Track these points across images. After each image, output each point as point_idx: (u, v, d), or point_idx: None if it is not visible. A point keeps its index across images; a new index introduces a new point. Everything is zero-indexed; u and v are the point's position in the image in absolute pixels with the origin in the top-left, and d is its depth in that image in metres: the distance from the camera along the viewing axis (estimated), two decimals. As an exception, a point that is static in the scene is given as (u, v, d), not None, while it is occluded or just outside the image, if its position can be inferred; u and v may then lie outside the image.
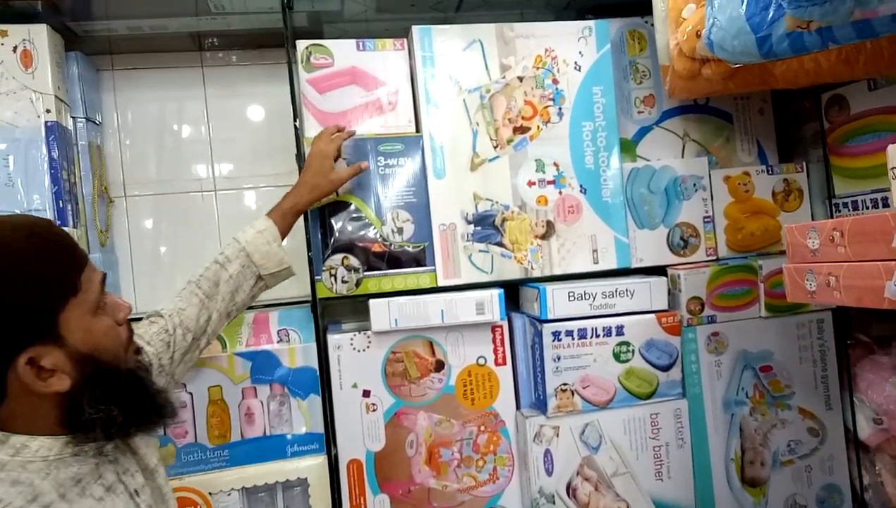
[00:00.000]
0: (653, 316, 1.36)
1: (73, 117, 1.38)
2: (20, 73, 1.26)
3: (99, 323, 0.80)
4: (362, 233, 1.34)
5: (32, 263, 0.73)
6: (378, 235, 1.34)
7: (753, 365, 1.41)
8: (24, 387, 0.74)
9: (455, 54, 1.38)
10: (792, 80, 1.26)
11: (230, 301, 1.14)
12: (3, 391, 0.74)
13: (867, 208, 1.36)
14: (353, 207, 1.34)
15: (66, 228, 1.27)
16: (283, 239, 1.24)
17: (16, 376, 0.74)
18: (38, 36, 1.27)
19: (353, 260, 1.32)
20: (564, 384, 1.33)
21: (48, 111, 1.28)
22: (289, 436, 1.32)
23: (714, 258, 1.46)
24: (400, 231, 1.35)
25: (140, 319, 1.05)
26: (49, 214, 1.26)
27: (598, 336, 1.34)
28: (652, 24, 1.40)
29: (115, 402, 0.80)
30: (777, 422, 1.41)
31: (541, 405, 1.36)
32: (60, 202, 1.28)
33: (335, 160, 1.27)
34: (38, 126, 1.27)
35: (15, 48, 1.26)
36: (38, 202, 1.26)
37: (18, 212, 1.25)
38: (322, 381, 1.32)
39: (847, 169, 1.41)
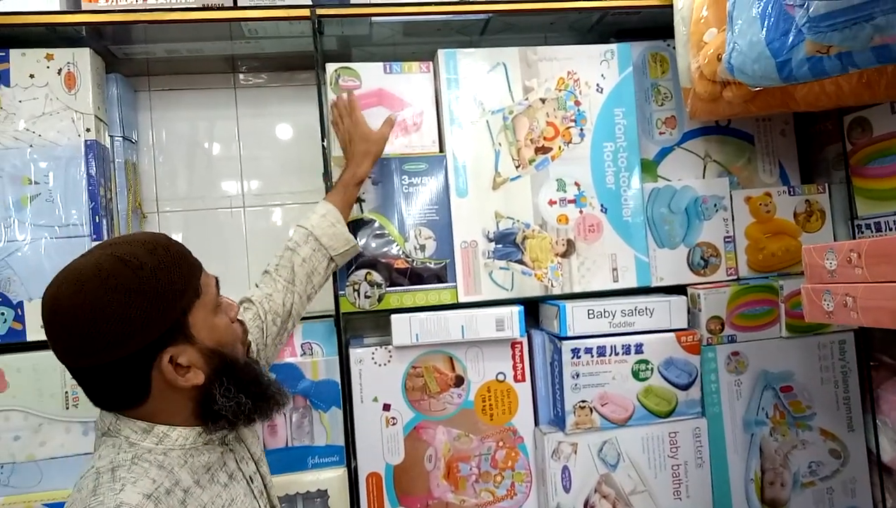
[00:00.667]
0: (672, 334, 1.37)
1: (111, 136, 1.44)
2: (63, 95, 1.32)
3: (219, 321, 0.89)
4: (385, 249, 1.37)
5: (162, 275, 0.81)
6: (401, 252, 1.37)
7: (774, 385, 1.41)
8: (166, 384, 0.83)
9: (479, 76, 1.42)
10: (813, 103, 1.27)
11: (307, 283, 1.22)
12: (148, 388, 0.83)
13: (890, 229, 1.36)
14: (376, 224, 1.37)
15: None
16: (349, 211, 1.31)
17: (159, 374, 0.82)
18: (82, 59, 1.33)
19: (376, 276, 1.36)
20: (583, 401, 1.34)
21: (88, 130, 1.33)
22: (310, 448, 1.34)
23: (735, 278, 1.47)
24: (422, 248, 1.38)
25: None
26: (85, 229, 1.31)
27: (617, 354, 1.35)
28: (674, 48, 1.43)
29: (242, 391, 0.88)
30: (798, 443, 1.40)
31: (559, 421, 1.37)
32: (97, 217, 1.33)
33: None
34: (78, 144, 1.32)
35: (60, 71, 1.32)
36: (75, 217, 1.31)
37: (58, 227, 1.31)
38: (343, 394, 1.35)
39: (870, 190, 1.41)
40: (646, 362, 1.36)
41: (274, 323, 1.15)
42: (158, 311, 0.80)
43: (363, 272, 1.35)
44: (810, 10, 0.97)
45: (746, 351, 1.41)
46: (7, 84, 1.30)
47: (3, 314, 1.27)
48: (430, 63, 1.44)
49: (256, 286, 1.20)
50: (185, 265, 0.86)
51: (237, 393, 0.87)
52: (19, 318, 1.27)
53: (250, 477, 0.96)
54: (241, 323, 0.97)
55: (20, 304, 1.28)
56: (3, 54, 1.30)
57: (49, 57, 1.32)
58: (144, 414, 0.85)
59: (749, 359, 1.41)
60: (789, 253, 1.48)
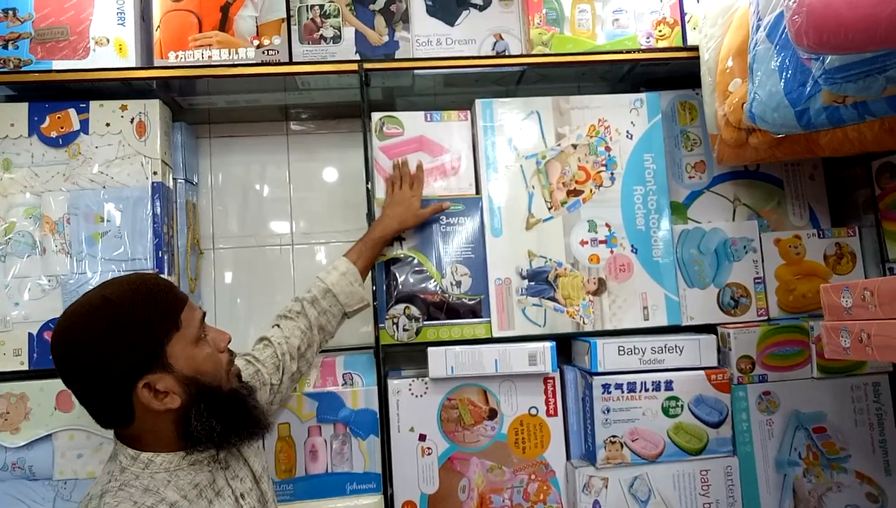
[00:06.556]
0: (702, 372, 1.40)
1: (175, 178, 1.57)
2: (134, 141, 1.46)
3: (200, 351, 0.97)
4: (423, 285, 1.44)
5: (139, 311, 0.91)
6: (438, 288, 1.45)
7: (806, 425, 1.41)
8: (145, 407, 0.92)
9: (514, 124, 1.51)
10: (837, 149, 1.31)
11: (320, 333, 1.33)
12: (131, 412, 0.93)
13: (922, 273, 1.38)
14: (415, 261, 1.45)
15: (162, 275, 1.44)
16: (369, 269, 1.41)
17: (139, 398, 0.91)
18: (152, 109, 1.47)
19: (414, 310, 1.43)
20: (613, 436, 1.37)
21: (155, 173, 1.46)
22: (349, 475, 1.40)
23: (765, 318, 1.49)
24: (458, 284, 1.45)
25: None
26: (149, 263, 1.42)
27: (647, 390, 1.38)
28: (701, 96, 1.49)
29: (217, 416, 0.96)
30: (833, 485, 1.39)
31: (590, 456, 1.40)
32: (160, 252, 1.44)
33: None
34: (146, 186, 1.45)
35: (132, 120, 1.46)
36: (140, 252, 1.43)
37: (124, 262, 1.42)
38: (381, 423, 1.41)
39: (900, 234, 1.43)
40: (676, 398, 1.39)
41: (291, 363, 1.27)
42: (134, 343, 0.89)
43: (402, 306, 1.43)
44: (825, 63, 1.03)
45: (778, 391, 1.42)
46: (86, 132, 1.44)
47: (72, 340, 1.38)
48: (468, 111, 1.54)
49: (277, 327, 1.30)
50: (165, 301, 0.94)
51: (210, 419, 0.95)
52: (87, 344, 1.38)
53: (241, 494, 1.02)
54: (231, 352, 1.05)
55: (88, 332, 1.38)
56: (84, 106, 1.45)
57: (123, 108, 1.46)
58: (134, 434, 0.95)
59: (781, 399, 1.42)
60: (820, 294, 1.49)
